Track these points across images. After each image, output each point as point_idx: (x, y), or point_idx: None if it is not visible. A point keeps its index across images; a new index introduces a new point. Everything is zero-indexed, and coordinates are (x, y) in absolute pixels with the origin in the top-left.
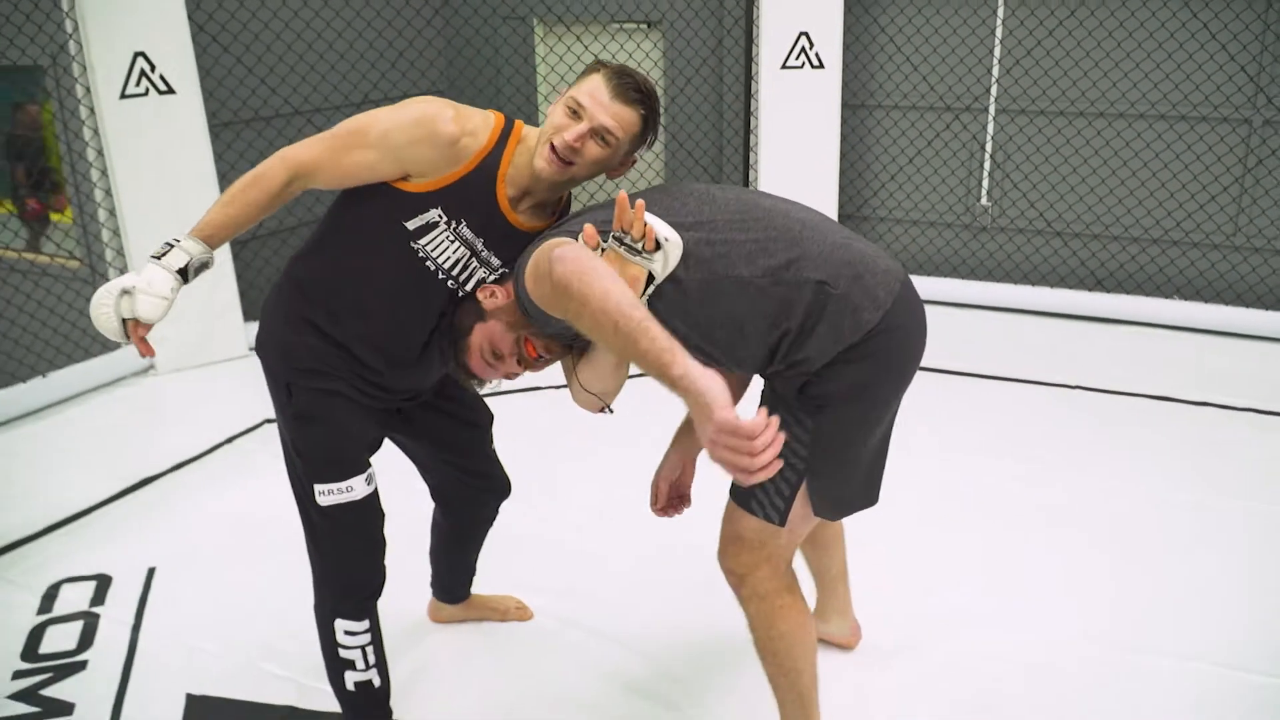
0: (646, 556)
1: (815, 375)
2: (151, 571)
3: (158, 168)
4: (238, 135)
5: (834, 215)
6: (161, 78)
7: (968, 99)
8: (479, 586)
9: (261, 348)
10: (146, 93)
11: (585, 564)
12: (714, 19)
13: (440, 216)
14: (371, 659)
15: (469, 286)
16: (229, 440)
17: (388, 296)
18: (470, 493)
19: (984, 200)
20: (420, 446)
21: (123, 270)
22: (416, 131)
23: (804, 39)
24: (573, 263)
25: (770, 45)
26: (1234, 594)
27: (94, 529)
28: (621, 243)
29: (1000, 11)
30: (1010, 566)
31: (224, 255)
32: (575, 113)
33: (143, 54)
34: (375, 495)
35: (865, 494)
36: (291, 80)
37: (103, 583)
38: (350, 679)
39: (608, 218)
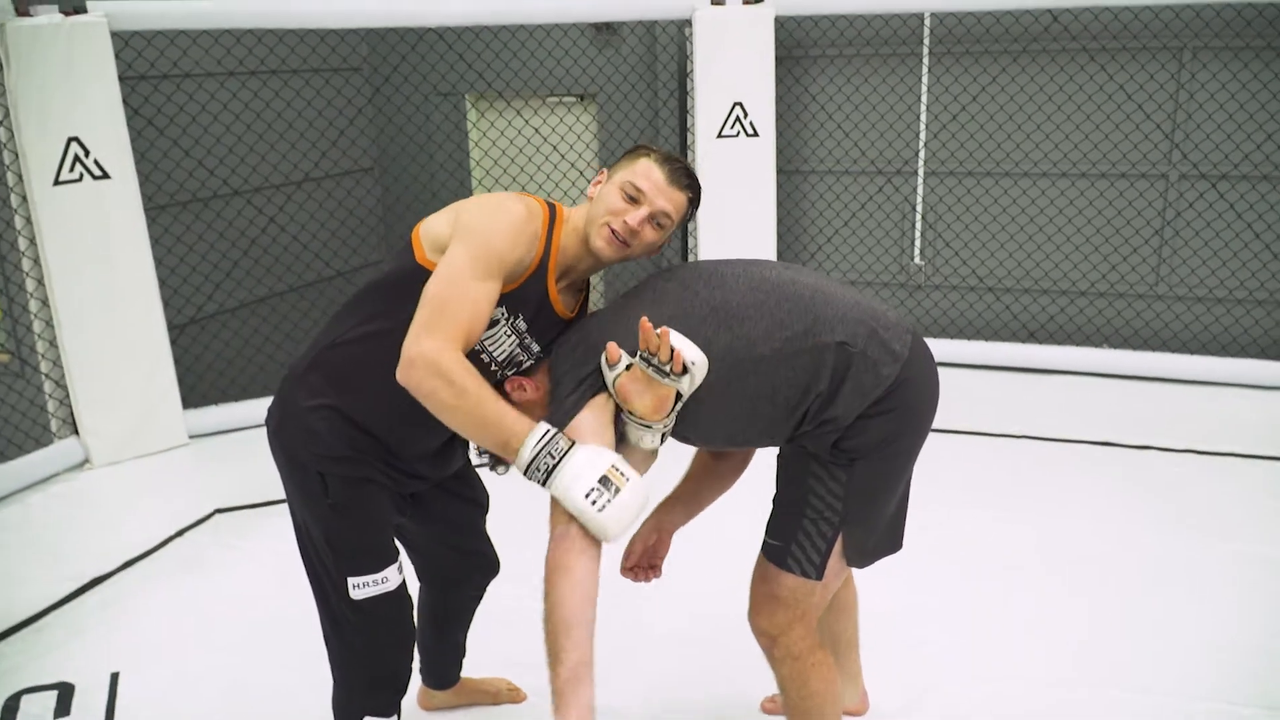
0: (640, 628)
1: (845, 431)
2: (115, 676)
3: (92, 255)
4: (175, 218)
5: None
6: (96, 163)
7: (898, 162)
8: (468, 669)
9: (280, 434)
10: (80, 178)
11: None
12: (649, 91)
13: (503, 314)
14: None
15: (509, 372)
16: (179, 533)
17: None
18: (462, 571)
19: (917, 259)
20: (418, 526)
21: (56, 363)
22: (519, 242)
23: (738, 108)
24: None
25: (705, 115)
26: (1192, 627)
27: (49, 635)
28: (649, 363)
29: (925, 78)
30: (981, 612)
31: (162, 339)
32: (633, 198)
33: (76, 139)
34: (405, 584)
35: (891, 540)
36: (230, 161)
37: (65, 692)
38: None
39: (628, 329)
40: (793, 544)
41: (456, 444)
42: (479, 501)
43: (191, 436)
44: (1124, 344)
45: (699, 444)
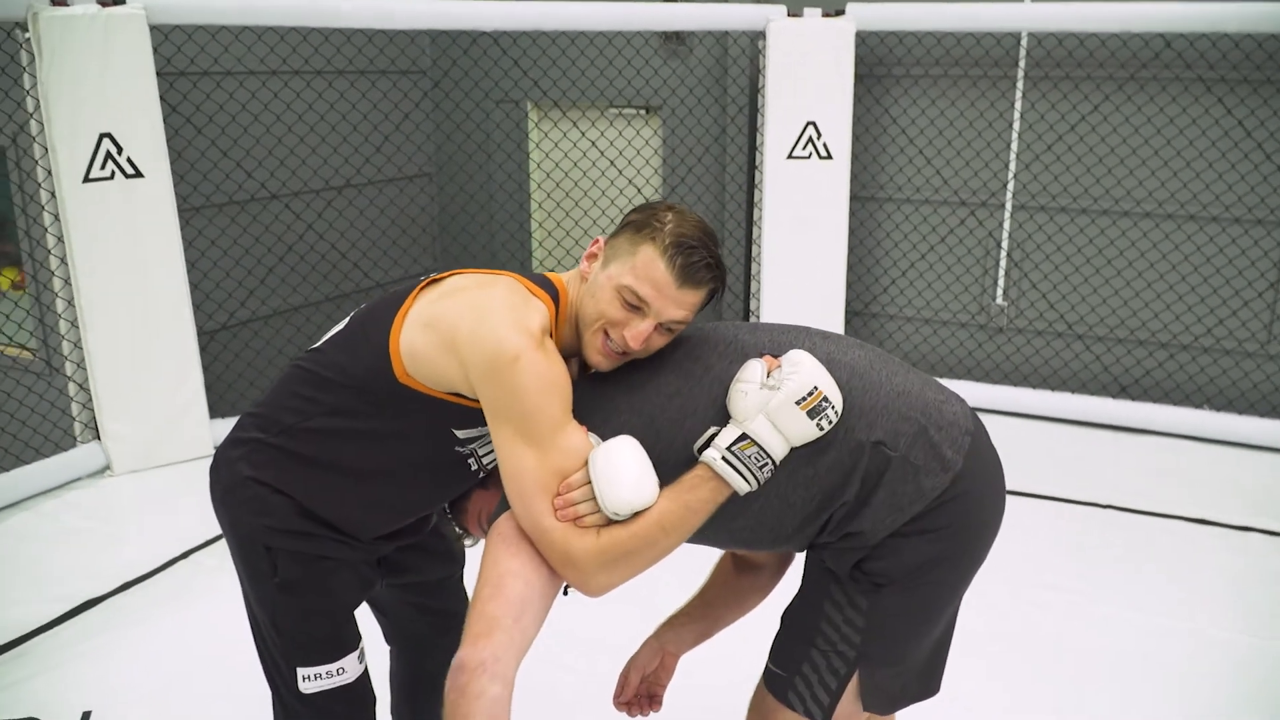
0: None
1: (872, 550)
2: (86, 716)
3: (122, 255)
4: (210, 221)
5: (840, 314)
6: (129, 160)
7: (984, 194)
8: None
9: (226, 502)
10: (112, 176)
11: (577, 710)
12: (717, 106)
13: None
14: None
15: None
16: (185, 555)
17: (411, 489)
18: (436, 634)
19: (1000, 300)
20: (386, 585)
21: (80, 365)
22: (565, 384)
23: (811, 128)
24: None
25: (776, 134)
26: None
27: (26, 662)
28: None
29: (1018, 104)
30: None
31: (191, 345)
32: (634, 306)
33: (109, 135)
34: (366, 674)
35: (924, 685)
36: (269, 164)
37: None
38: None
39: (615, 409)
40: (797, 676)
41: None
42: (454, 556)
43: (217, 447)
44: (1228, 406)
45: (697, 540)
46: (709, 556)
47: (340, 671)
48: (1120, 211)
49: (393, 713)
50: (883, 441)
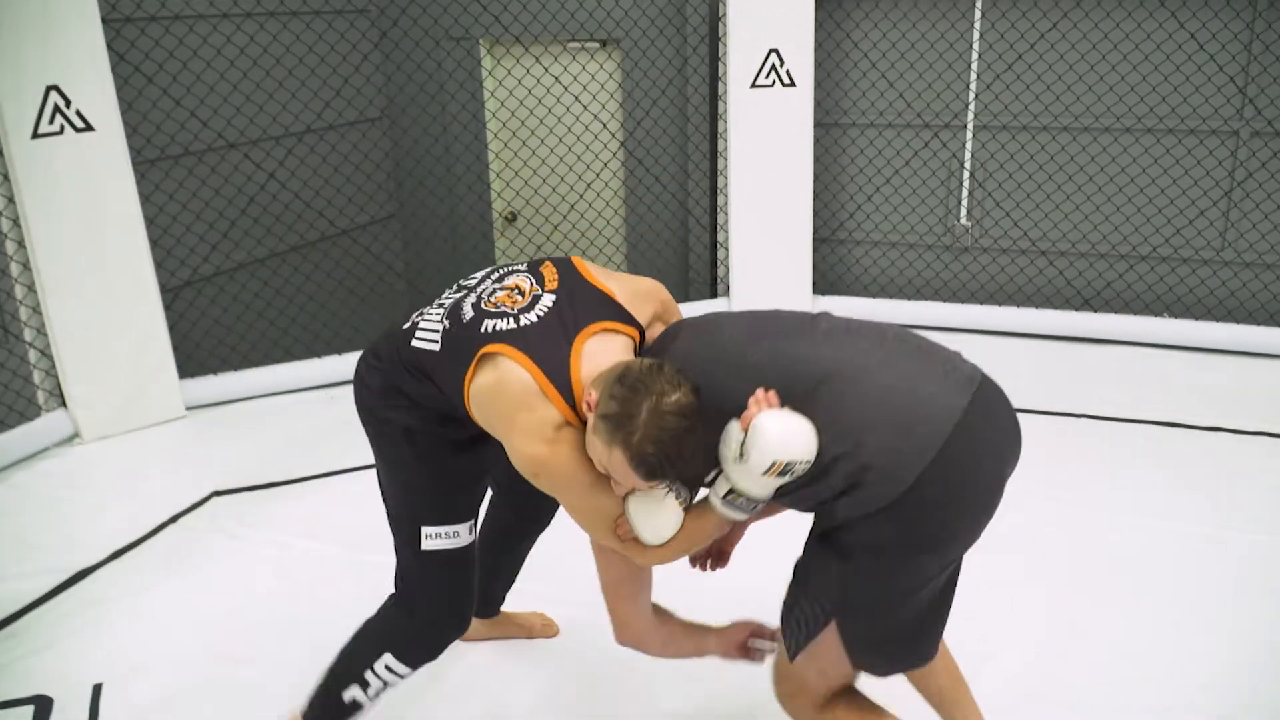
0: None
1: (840, 524)
2: (97, 689)
3: (77, 213)
4: (166, 174)
5: (808, 241)
6: (78, 113)
7: (946, 115)
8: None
9: (375, 403)
10: (61, 131)
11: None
12: (678, 36)
13: None
14: (381, 696)
15: None
16: (173, 519)
17: None
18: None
19: (964, 220)
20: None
21: (40, 330)
22: (584, 468)
23: (774, 56)
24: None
25: (738, 63)
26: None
27: (26, 639)
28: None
29: (978, 24)
30: (1030, 626)
31: (155, 303)
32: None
33: (56, 88)
34: (474, 546)
35: (910, 651)
36: (225, 111)
37: (42, 707)
38: (348, 695)
39: None
40: (791, 614)
41: None
42: None
43: (189, 408)
44: (1187, 313)
45: None
46: None
47: (455, 535)
48: (1079, 127)
49: None
50: (849, 453)
